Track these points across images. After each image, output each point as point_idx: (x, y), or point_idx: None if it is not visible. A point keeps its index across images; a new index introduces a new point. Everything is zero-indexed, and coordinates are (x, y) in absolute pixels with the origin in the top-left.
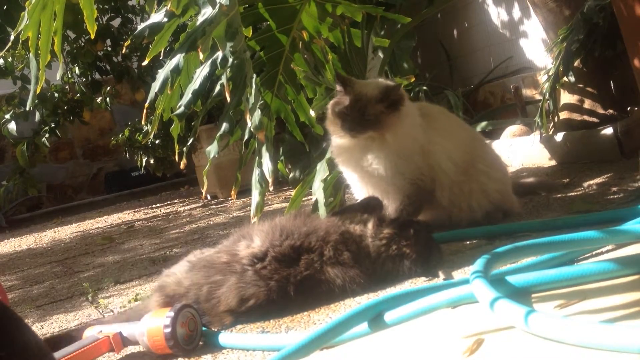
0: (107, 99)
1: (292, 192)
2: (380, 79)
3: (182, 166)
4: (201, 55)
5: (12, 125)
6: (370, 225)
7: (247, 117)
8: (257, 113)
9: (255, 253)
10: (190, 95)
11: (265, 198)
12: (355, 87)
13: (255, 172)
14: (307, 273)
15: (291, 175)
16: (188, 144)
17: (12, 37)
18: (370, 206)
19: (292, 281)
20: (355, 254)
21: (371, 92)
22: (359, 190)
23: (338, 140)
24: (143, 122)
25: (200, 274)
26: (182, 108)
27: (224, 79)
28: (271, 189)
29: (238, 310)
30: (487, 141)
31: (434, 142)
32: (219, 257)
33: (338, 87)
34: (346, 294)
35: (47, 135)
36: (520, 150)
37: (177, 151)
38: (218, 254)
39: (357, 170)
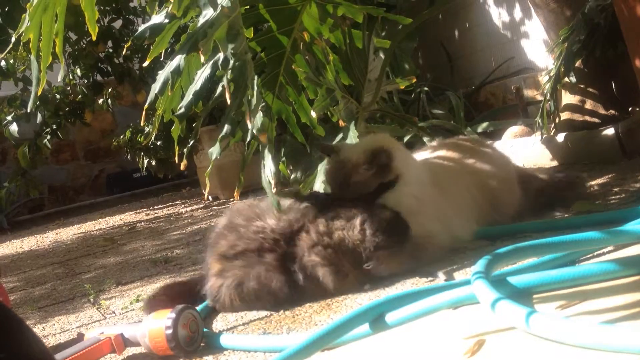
0: (109, 101)
1: None
2: (369, 142)
3: (182, 167)
4: (202, 58)
5: (13, 127)
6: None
7: (248, 119)
8: (259, 115)
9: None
10: (191, 96)
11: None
12: (340, 151)
13: (264, 174)
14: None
15: (292, 176)
16: (189, 145)
17: (13, 39)
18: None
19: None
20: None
21: (356, 158)
22: None
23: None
24: (142, 124)
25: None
26: (182, 109)
27: (225, 81)
28: (274, 190)
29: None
30: (489, 142)
31: (448, 218)
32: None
33: (322, 153)
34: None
35: (48, 136)
36: (522, 151)
37: (177, 153)
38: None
39: None
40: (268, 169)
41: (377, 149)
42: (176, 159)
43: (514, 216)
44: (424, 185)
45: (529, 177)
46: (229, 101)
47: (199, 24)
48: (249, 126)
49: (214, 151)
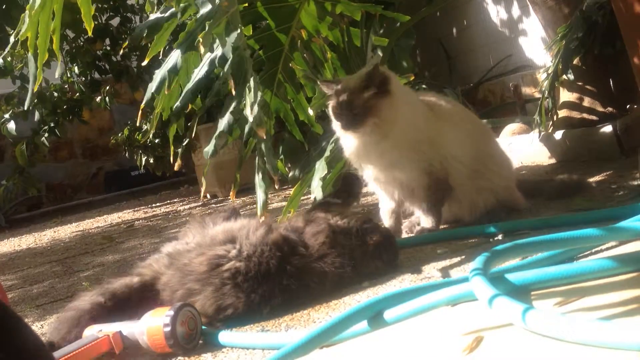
0: (107, 99)
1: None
2: (364, 69)
3: (176, 167)
4: (202, 50)
5: (11, 125)
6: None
7: (248, 111)
8: (256, 109)
9: (240, 268)
10: (188, 94)
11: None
12: (339, 84)
13: (259, 171)
14: (293, 279)
15: (291, 174)
16: (184, 143)
17: (12, 40)
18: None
19: (278, 289)
20: (342, 248)
21: (353, 83)
22: (377, 189)
23: (346, 142)
24: (138, 122)
25: (176, 277)
26: (177, 106)
27: (227, 74)
28: (277, 187)
29: (215, 317)
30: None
31: (444, 133)
32: (199, 265)
33: (327, 91)
34: (326, 288)
35: (46, 134)
36: (520, 148)
37: (172, 152)
38: (199, 261)
39: (371, 169)
40: (269, 164)
41: (373, 71)
42: (171, 158)
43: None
44: (418, 103)
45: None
46: (233, 92)
47: (197, 21)
48: (250, 119)
49: (209, 150)
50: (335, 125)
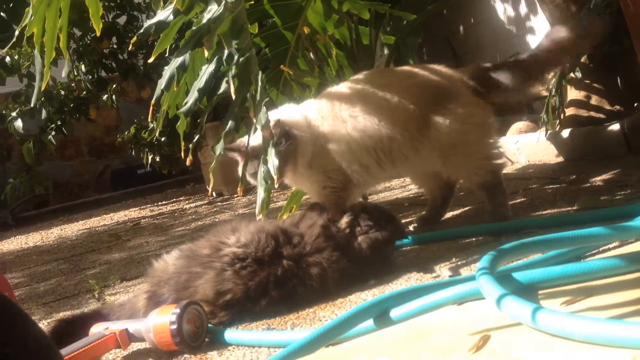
0: (113, 97)
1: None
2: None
3: (187, 163)
4: (206, 53)
5: (18, 123)
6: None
7: (252, 115)
8: (263, 110)
9: (237, 253)
10: (195, 92)
11: (270, 195)
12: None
13: (261, 169)
14: (289, 270)
15: None
16: (194, 140)
17: (16, 33)
18: None
19: (272, 280)
20: (334, 244)
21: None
22: None
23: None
24: (149, 120)
25: (182, 262)
26: (188, 105)
27: (229, 77)
28: (276, 186)
29: (215, 303)
30: None
31: (332, 141)
32: (202, 249)
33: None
34: (327, 285)
35: (53, 132)
36: (526, 146)
37: (182, 148)
38: (203, 245)
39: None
40: (271, 163)
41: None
42: (182, 154)
43: None
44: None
45: None
46: (234, 97)
47: (203, 20)
48: (254, 120)
49: (218, 147)
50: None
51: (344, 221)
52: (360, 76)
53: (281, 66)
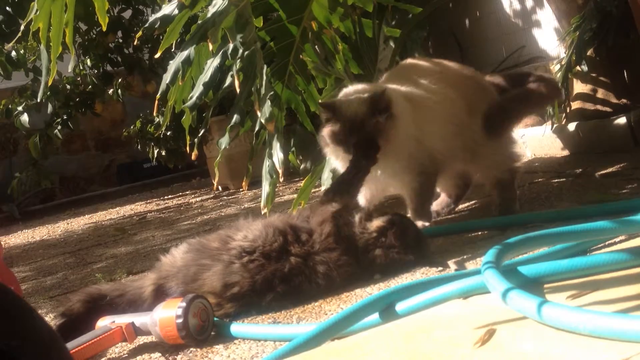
0: (119, 91)
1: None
2: (360, 86)
3: (193, 157)
4: (211, 46)
5: (24, 117)
6: (357, 218)
7: (257, 109)
8: (267, 104)
9: (245, 247)
10: (201, 86)
11: (276, 189)
12: (343, 109)
13: (266, 163)
14: (296, 267)
15: (302, 166)
16: (199, 135)
17: (22, 27)
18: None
19: (278, 275)
20: (345, 245)
21: (360, 110)
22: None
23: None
24: (155, 114)
25: (191, 255)
26: (193, 99)
27: (234, 70)
28: (281, 179)
29: (222, 295)
30: None
31: (425, 130)
32: (212, 242)
33: (325, 115)
34: (333, 284)
35: (59, 127)
36: (532, 140)
37: (188, 142)
38: (213, 239)
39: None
40: (276, 157)
41: (379, 97)
42: (187, 148)
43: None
44: (411, 114)
45: None
46: (238, 90)
47: (209, 14)
48: (259, 114)
49: (223, 141)
50: (335, 151)
51: (375, 225)
52: (423, 64)
53: (301, 55)
